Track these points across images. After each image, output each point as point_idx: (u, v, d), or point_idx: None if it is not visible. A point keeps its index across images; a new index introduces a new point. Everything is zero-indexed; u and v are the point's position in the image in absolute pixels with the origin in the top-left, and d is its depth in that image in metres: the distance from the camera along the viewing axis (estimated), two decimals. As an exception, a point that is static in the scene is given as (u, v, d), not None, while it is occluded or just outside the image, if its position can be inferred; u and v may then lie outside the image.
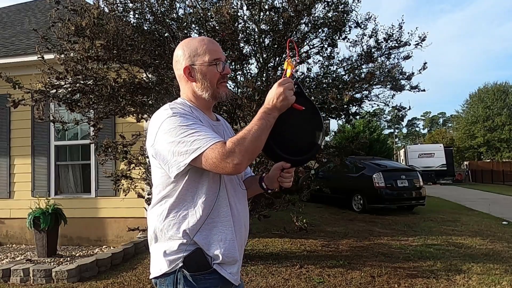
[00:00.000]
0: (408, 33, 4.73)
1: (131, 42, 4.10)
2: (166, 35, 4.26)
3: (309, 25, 4.54)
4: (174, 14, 4.22)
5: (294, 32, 4.45)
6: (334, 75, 5.01)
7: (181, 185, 1.37)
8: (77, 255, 5.70)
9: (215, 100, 1.52)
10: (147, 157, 5.04)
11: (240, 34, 4.36)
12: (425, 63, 4.77)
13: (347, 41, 4.84)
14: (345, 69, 4.97)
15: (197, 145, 1.27)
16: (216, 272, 1.39)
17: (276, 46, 4.39)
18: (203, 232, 1.39)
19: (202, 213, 1.38)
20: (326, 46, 4.85)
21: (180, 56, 1.47)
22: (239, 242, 1.46)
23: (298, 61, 1.68)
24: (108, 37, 3.87)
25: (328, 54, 4.93)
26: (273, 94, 1.35)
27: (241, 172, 1.33)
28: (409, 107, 5.00)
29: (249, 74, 4.68)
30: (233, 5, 4.04)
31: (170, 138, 1.30)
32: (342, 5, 4.53)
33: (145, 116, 4.90)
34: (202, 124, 1.37)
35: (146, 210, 5.91)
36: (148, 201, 5.04)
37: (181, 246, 1.37)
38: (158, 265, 1.41)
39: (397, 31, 4.71)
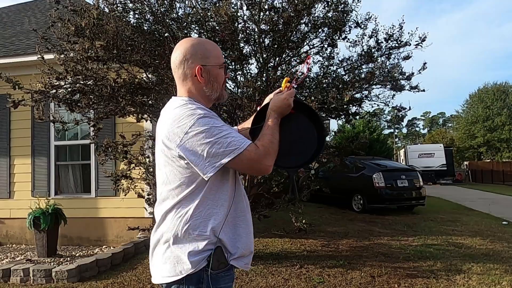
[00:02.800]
0: (409, 33, 4.73)
1: (131, 42, 4.10)
2: (166, 35, 4.25)
3: (309, 25, 4.53)
4: (174, 14, 4.22)
5: (294, 32, 4.45)
6: (334, 75, 5.01)
7: (207, 184, 1.37)
8: (77, 255, 5.70)
9: (218, 101, 1.56)
10: (147, 157, 5.06)
11: (240, 34, 4.35)
12: (424, 63, 4.77)
13: (347, 41, 4.84)
14: (345, 69, 4.97)
15: (233, 146, 1.31)
16: (232, 268, 1.42)
17: (276, 46, 4.39)
18: (226, 229, 1.40)
19: (225, 210, 1.40)
20: (326, 46, 4.85)
21: (192, 55, 1.45)
22: (252, 234, 1.52)
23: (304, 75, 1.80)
24: (108, 38, 3.87)
25: (328, 54, 4.94)
26: (282, 103, 1.47)
27: (270, 172, 1.40)
28: (409, 107, 5.00)
29: (249, 74, 4.68)
30: (232, 5, 4.04)
31: (205, 139, 1.31)
32: (342, 5, 4.53)
33: (145, 116, 4.90)
34: (229, 125, 1.41)
35: (146, 210, 5.92)
36: (148, 201, 5.04)
37: (207, 245, 1.37)
38: (178, 267, 1.36)
39: (398, 31, 4.71)
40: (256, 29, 4.38)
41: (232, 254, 1.42)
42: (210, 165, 1.32)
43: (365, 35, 4.82)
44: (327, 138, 9.59)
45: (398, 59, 4.92)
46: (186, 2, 4.29)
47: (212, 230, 1.37)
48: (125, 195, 5.08)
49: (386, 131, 49.78)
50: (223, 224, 1.39)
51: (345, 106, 4.80)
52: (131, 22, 4.31)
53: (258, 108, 1.62)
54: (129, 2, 4.23)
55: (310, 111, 1.60)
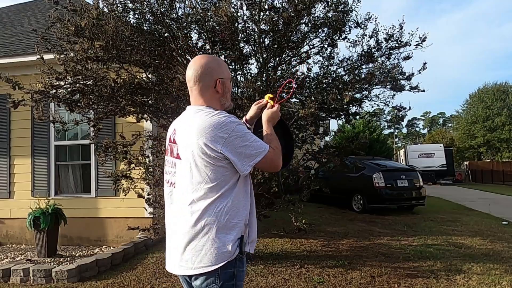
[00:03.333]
0: (409, 33, 4.73)
1: (131, 42, 4.10)
2: (166, 35, 4.25)
3: (309, 25, 4.53)
4: (174, 15, 4.21)
5: (294, 32, 4.45)
6: (334, 75, 5.00)
7: (239, 180, 1.64)
8: (77, 255, 5.70)
9: (227, 109, 1.81)
10: (147, 157, 5.07)
11: (240, 34, 4.35)
12: (425, 63, 4.77)
13: (347, 41, 4.83)
14: (345, 69, 4.97)
15: (261, 148, 1.62)
16: (245, 253, 1.65)
17: (276, 46, 4.39)
18: (250, 217, 1.69)
19: (249, 200, 1.70)
20: (326, 46, 4.84)
21: (213, 69, 1.70)
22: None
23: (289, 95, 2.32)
24: (107, 38, 3.87)
25: (328, 54, 4.93)
26: (275, 114, 1.83)
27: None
28: (409, 107, 4.99)
29: (249, 74, 4.68)
30: (233, 5, 4.03)
31: (243, 143, 1.59)
32: (342, 5, 4.53)
33: (145, 116, 4.90)
34: None
35: (146, 210, 5.92)
36: (148, 201, 5.04)
37: (239, 232, 1.61)
38: (220, 256, 1.55)
39: (398, 31, 4.70)
40: (256, 29, 4.38)
41: (248, 240, 1.66)
42: (247, 164, 1.59)
43: (365, 35, 4.82)
44: (327, 138, 9.60)
45: (398, 59, 4.92)
46: (186, 2, 4.28)
47: (244, 218, 1.63)
48: (125, 195, 5.08)
49: (386, 131, 49.85)
50: (249, 213, 1.68)
51: (345, 106, 4.79)
52: (131, 22, 4.31)
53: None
54: (129, 2, 4.23)
55: (283, 123, 1.99)
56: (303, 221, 4.39)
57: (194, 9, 4.13)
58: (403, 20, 4.68)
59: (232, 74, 4.75)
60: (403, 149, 31.51)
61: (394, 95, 4.95)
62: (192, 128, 1.61)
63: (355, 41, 4.85)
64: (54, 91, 4.38)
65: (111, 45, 3.94)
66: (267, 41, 4.46)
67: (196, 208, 1.59)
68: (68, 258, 5.40)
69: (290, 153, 1.97)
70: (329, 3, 4.47)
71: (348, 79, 4.78)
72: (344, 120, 5.43)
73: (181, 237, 1.61)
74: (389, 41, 4.77)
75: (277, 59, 4.60)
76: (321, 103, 4.17)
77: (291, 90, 2.06)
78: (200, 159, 1.58)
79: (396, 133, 64.16)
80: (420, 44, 4.69)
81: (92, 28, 3.89)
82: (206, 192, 1.58)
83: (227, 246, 1.56)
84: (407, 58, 4.87)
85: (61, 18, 4.23)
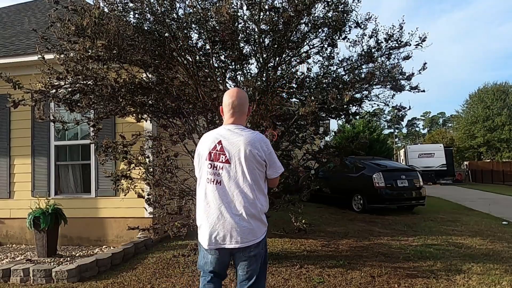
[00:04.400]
0: (409, 33, 4.73)
1: (132, 42, 4.10)
2: (166, 35, 4.25)
3: (309, 25, 4.53)
4: (174, 14, 4.21)
5: (294, 32, 4.45)
6: (334, 75, 5.00)
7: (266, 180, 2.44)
8: (77, 255, 5.70)
9: None
10: (147, 157, 5.07)
11: (240, 34, 4.35)
12: (424, 64, 4.77)
13: (347, 41, 4.84)
14: (345, 69, 4.97)
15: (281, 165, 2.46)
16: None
17: (276, 46, 4.39)
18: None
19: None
20: (326, 46, 4.84)
21: (247, 99, 2.45)
22: None
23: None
24: (109, 37, 3.87)
25: (328, 54, 4.93)
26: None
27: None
28: (409, 107, 5.00)
29: (249, 74, 4.68)
30: (233, 5, 4.03)
31: (275, 155, 2.39)
32: (342, 5, 4.52)
33: (145, 116, 4.90)
34: None
35: (146, 210, 5.92)
36: (148, 201, 5.04)
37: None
38: (263, 229, 2.34)
39: (398, 31, 4.70)
40: (256, 29, 4.38)
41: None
42: (280, 169, 2.37)
43: (365, 35, 4.82)
44: (327, 138, 9.60)
45: (398, 59, 4.91)
46: (187, 2, 4.28)
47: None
48: (125, 195, 5.07)
49: (386, 131, 49.85)
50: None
51: (345, 106, 4.80)
52: (132, 22, 4.30)
53: None
54: (129, 1, 4.22)
55: None
56: (303, 221, 4.39)
57: (194, 9, 4.12)
58: (403, 20, 4.69)
59: (232, 74, 4.76)
60: (403, 149, 31.50)
61: (394, 95, 4.95)
62: (239, 138, 2.28)
63: (355, 41, 4.85)
64: (54, 91, 4.38)
65: (113, 44, 3.94)
66: (267, 41, 4.46)
67: (254, 196, 2.31)
68: (68, 258, 5.40)
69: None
70: (329, 3, 4.47)
71: (348, 79, 4.78)
72: (344, 120, 5.44)
73: (247, 213, 2.29)
74: (389, 41, 4.77)
75: (277, 59, 4.60)
76: (321, 103, 4.17)
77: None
78: (252, 164, 2.25)
79: (396, 133, 64.15)
80: (420, 44, 4.69)
81: (94, 27, 3.89)
82: (258, 186, 2.34)
83: (265, 223, 2.47)
84: (407, 58, 4.87)
85: (61, 18, 4.22)
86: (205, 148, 2.32)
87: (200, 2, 4.15)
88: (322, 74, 5.01)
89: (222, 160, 2.23)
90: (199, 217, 2.34)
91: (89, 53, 4.00)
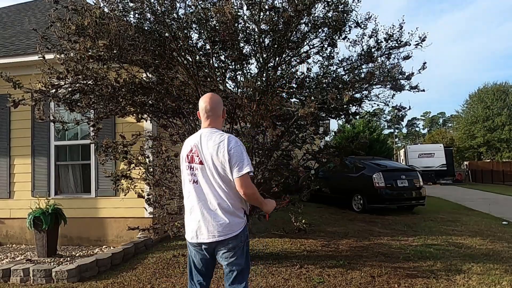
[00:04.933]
0: (409, 33, 4.72)
1: (132, 42, 4.10)
2: (166, 35, 4.25)
3: (309, 25, 4.53)
4: (175, 14, 4.21)
5: (294, 32, 4.45)
6: (334, 75, 5.00)
7: None
8: (77, 255, 5.70)
9: None
10: (147, 157, 5.07)
11: (240, 34, 4.35)
12: (424, 63, 4.77)
13: (347, 41, 4.83)
14: (345, 69, 4.96)
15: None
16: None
17: (276, 46, 4.39)
18: None
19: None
20: (326, 46, 4.84)
21: (220, 102, 2.57)
22: None
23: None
24: (110, 37, 3.87)
25: (328, 54, 4.92)
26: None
27: None
28: (409, 107, 4.99)
29: (249, 74, 4.68)
30: (233, 5, 4.03)
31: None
32: (342, 5, 4.52)
33: (145, 116, 4.90)
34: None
35: (146, 210, 5.92)
36: (148, 201, 5.04)
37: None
38: (240, 225, 2.44)
39: (398, 31, 4.70)
40: (256, 29, 4.38)
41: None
42: (244, 169, 2.36)
43: (365, 35, 4.81)
44: (327, 138, 9.61)
45: (398, 59, 4.91)
46: (187, 2, 4.29)
47: None
48: (125, 195, 5.08)
49: (386, 131, 49.86)
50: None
51: (345, 106, 4.79)
52: (132, 22, 4.30)
53: None
54: (129, 1, 4.22)
55: None
56: (303, 221, 4.40)
57: (196, 8, 4.12)
58: (403, 20, 4.68)
59: (232, 74, 4.76)
60: (403, 149, 31.50)
61: (394, 95, 4.94)
62: (209, 141, 2.42)
63: (355, 41, 4.85)
64: (54, 90, 4.38)
65: (114, 44, 3.94)
66: (267, 41, 4.46)
67: (225, 195, 2.45)
68: (68, 258, 5.40)
69: None
70: (329, 3, 4.47)
71: (348, 79, 4.78)
72: (344, 120, 5.43)
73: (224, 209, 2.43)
74: (389, 41, 4.76)
75: (277, 59, 4.60)
76: (321, 102, 4.17)
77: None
78: (221, 165, 2.38)
79: (396, 133, 64.18)
80: (420, 44, 4.69)
81: (95, 27, 3.89)
82: (229, 185, 2.44)
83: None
84: (406, 57, 4.87)
85: (61, 17, 4.22)
86: (184, 151, 2.55)
87: (200, 2, 4.15)
88: (322, 74, 5.01)
89: (196, 161, 2.44)
90: (185, 215, 2.55)
91: (90, 53, 4.00)
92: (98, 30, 3.91)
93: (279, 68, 4.76)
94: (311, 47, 4.81)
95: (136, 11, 4.28)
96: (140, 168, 4.93)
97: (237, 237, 2.39)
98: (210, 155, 2.38)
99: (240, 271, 2.44)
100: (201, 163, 2.42)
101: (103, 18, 3.93)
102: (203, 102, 2.51)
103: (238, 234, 2.39)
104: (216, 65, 4.58)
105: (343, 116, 5.22)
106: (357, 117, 5.42)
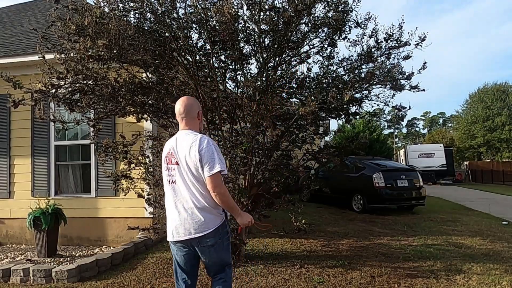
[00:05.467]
0: (408, 33, 4.72)
1: (132, 42, 4.10)
2: (166, 35, 4.25)
3: (309, 25, 4.53)
4: (175, 14, 4.21)
5: (294, 32, 4.45)
6: (334, 75, 5.00)
7: None
8: (77, 255, 5.70)
9: None
10: (147, 157, 5.07)
11: (240, 34, 4.35)
12: (424, 63, 4.76)
13: (347, 41, 4.83)
14: (345, 69, 4.96)
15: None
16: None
17: (276, 46, 4.39)
18: None
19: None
20: (326, 46, 4.84)
21: (194, 105, 2.64)
22: None
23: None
24: (110, 37, 3.87)
25: (328, 54, 4.92)
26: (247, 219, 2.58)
27: None
28: (409, 107, 4.99)
29: (249, 74, 4.68)
30: (233, 5, 4.03)
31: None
32: (342, 5, 4.52)
33: (145, 116, 4.90)
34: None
35: (146, 210, 5.92)
36: (148, 201, 5.04)
37: None
38: (216, 222, 2.49)
39: (397, 31, 4.70)
40: (256, 29, 4.38)
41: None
42: (215, 168, 2.41)
43: (365, 35, 4.81)
44: (327, 138, 9.62)
45: (398, 59, 4.90)
46: (187, 2, 4.29)
47: None
48: (124, 195, 5.08)
49: (386, 131, 49.87)
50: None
51: (345, 106, 4.79)
52: (132, 21, 4.30)
53: None
54: (129, 1, 4.22)
55: None
56: (303, 221, 4.39)
57: (196, 8, 4.12)
58: (402, 20, 4.68)
59: (232, 74, 4.76)
60: (403, 149, 31.50)
61: (394, 94, 4.94)
62: (183, 142, 2.54)
63: (355, 40, 4.85)
64: (54, 90, 4.38)
65: (114, 44, 3.94)
66: (267, 41, 4.46)
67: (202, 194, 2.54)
68: (68, 258, 5.40)
69: None
70: (329, 3, 4.47)
71: (348, 79, 4.78)
72: (344, 120, 5.43)
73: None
74: (389, 41, 4.76)
75: (277, 59, 4.60)
76: (321, 102, 4.17)
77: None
78: (195, 164, 2.45)
79: (396, 133, 64.19)
80: (420, 44, 4.69)
81: (95, 26, 3.89)
82: (204, 186, 2.48)
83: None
84: (406, 57, 4.87)
85: (61, 17, 4.22)
86: (163, 153, 2.66)
87: (200, 2, 4.15)
88: (322, 74, 5.01)
89: (173, 162, 2.53)
90: (167, 215, 2.63)
91: (90, 53, 4.00)
92: (98, 29, 3.90)
93: (279, 68, 4.76)
94: (311, 47, 4.81)
95: (136, 11, 4.28)
96: (140, 168, 4.93)
97: (216, 234, 2.45)
98: (184, 156, 2.45)
99: (221, 266, 2.55)
100: (177, 163, 2.50)
101: (103, 18, 3.92)
102: (178, 105, 2.59)
103: (215, 230, 2.44)
104: (216, 65, 4.58)
105: (343, 116, 5.22)
106: (357, 117, 5.42)
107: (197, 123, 2.62)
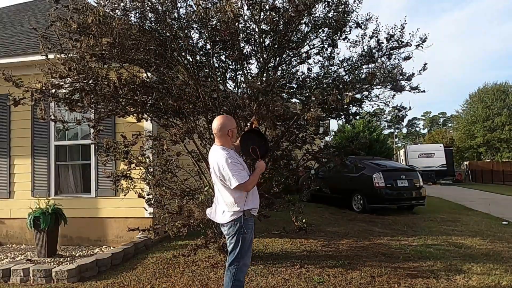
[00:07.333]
0: (409, 33, 4.72)
1: (134, 41, 4.10)
2: (167, 34, 4.25)
3: (310, 25, 4.53)
4: (176, 14, 4.21)
5: (295, 32, 4.45)
6: (335, 76, 5.00)
7: None
8: (77, 255, 5.70)
9: None
10: (147, 157, 5.07)
11: (241, 34, 4.35)
12: (425, 64, 4.76)
13: (347, 42, 4.83)
14: (346, 69, 4.96)
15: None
16: None
17: (276, 46, 4.39)
18: None
19: None
20: (326, 46, 4.84)
21: (225, 124, 3.08)
22: None
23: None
24: (114, 35, 3.87)
25: (329, 55, 4.92)
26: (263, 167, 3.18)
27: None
28: (409, 107, 4.99)
29: (249, 74, 4.68)
30: (234, 4, 4.03)
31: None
32: (343, 6, 4.52)
33: (145, 116, 4.90)
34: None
35: (146, 210, 5.92)
36: (148, 201, 5.04)
37: None
38: (227, 218, 3.10)
39: (399, 31, 4.69)
40: (256, 29, 4.38)
41: None
42: (232, 184, 2.98)
43: (366, 36, 4.81)
44: (328, 138, 9.63)
45: (398, 60, 4.91)
46: (188, 1, 4.29)
47: None
48: (124, 195, 5.07)
49: (386, 131, 49.89)
50: None
51: (345, 106, 4.79)
52: (132, 21, 4.30)
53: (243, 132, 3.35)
54: (131, 0, 4.22)
55: (260, 133, 3.42)
56: (303, 220, 4.40)
57: (197, 7, 4.12)
58: (404, 20, 4.68)
59: (233, 74, 4.76)
60: (403, 149, 31.50)
61: (394, 95, 4.95)
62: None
63: (356, 41, 4.85)
64: (54, 90, 4.38)
65: (117, 43, 3.94)
66: (267, 41, 4.46)
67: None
68: (68, 258, 5.40)
69: (267, 150, 3.43)
70: (330, 4, 4.47)
71: (348, 79, 4.78)
72: (344, 120, 5.43)
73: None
74: (390, 41, 4.76)
75: (278, 59, 4.60)
76: (321, 103, 4.17)
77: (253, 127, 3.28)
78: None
79: (396, 133, 64.20)
80: (421, 45, 4.69)
81: (99, 25, 3.89)
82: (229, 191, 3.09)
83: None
84: (407, 58, 4.87)
85: (61, 17, 4.22)
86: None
87: (201, 2, 4.15)
88: (322, 74, 5.01)
89: (210, 170, 3.22)
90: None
91: (92, 51, 4.00)
92: (101, 28, 3.91)
93: (280, 68, 4.76)
94: (311, 47, 4.81)
95: (137, 11, 4.29)
96: (140, 168, 4.93)
97: (226, 226, 3.08)
98: (212, 167, 3.09)
99: (231, 250, 3.09)
100: (211, 172, 3.18)
101: (106, 17, 3.93)
102: (214, 122, 3.08)
103: (227, 223, 3.07)
104: (216, 65, 4.58)
105: (343, 116, 5.22)
106: (357, 117, 5.42)
107: (228, 139, 3.07)
